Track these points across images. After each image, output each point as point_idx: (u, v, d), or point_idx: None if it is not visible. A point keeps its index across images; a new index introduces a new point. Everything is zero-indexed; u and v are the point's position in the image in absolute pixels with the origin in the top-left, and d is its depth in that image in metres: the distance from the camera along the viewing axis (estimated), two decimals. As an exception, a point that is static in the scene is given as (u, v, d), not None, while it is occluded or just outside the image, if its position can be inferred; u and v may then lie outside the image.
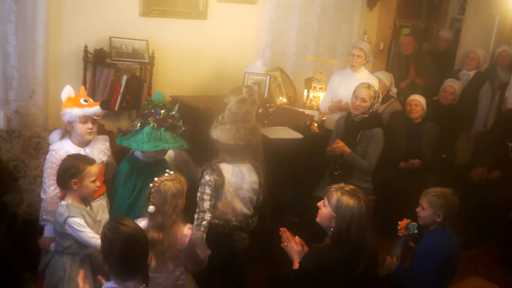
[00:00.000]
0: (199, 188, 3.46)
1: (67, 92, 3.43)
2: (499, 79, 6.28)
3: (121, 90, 4.71)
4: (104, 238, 2.30)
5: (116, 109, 4.69)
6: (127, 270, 2.23)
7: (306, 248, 3.02)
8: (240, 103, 3.47)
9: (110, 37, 4.71)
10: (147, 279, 2.31)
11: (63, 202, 2.99)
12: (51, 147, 3.39)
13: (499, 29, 6.54)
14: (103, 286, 2.27)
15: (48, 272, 3.06)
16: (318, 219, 2.96)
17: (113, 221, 2.37)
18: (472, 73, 6.16)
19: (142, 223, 2.85)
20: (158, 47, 4.93)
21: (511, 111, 5.52)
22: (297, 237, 3.07)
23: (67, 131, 3.42)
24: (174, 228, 2.89)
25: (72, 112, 3.34)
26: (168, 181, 2.90)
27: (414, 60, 6.47)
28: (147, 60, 4.84)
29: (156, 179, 2.93)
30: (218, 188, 3.44)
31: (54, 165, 3.27)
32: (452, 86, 5.85)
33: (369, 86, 4.48)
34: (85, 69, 4.69)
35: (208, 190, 3.41)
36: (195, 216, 3.44)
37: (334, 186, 2.90)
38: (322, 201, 2.94)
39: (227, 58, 5.56)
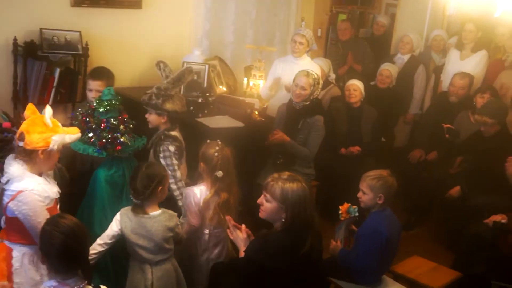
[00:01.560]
0: (166, 161, 3.75)
1: (50, 113, 2.91)
2: (434, 62, 6.50)
3: (55, 84, 4.61)
4: (42, 232, 2.25)
5: (50, 103, 4.58)
6: (68, 266, 2.19)
7: (252, 237, 3.05)
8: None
9: (41, 29, 4.59)
10: (90, 275, 2.28)
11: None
12: (27, 188, 2.77)
13: (433, 14, 6.78)
14: (42, 286, 2.22)
15: None
16: (263, 215, 2.94)
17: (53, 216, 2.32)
18: (406, 57, 6.35)
19: (201, 187, 3.46)
20: (92, 38, 4.84)
21: (445, 94, 5.71)
22: (243, 225, 3.10)
23: (31, 161, 2.84)
24: (236, 186, 3.53)
25: (59, 140, 2.86)
26: (223, 147, 3.48)
27: (351, 46, 6.61)
28: (80, 52, 4.74)
29: (211, 149, 3.45)
30: (181, 155, 3.85)
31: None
32: (388, 69, 6.03)
33: (308, 74, 4.55)
34: (15, 62, 4.55)
35: (175, 160, 3.79)
36: (174, 187, 3.73)
37: (270, 178, 2.91)
38: (262, 197, 2.93)
39: (164, 48, 5.51)
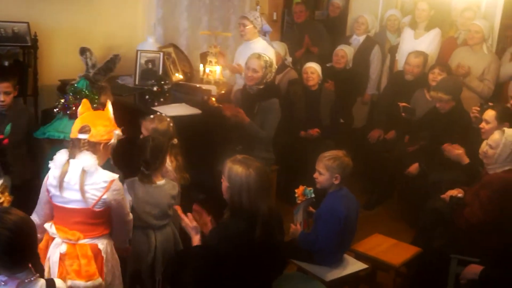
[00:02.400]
0: None
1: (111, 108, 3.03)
2: (389, 42, 6.57)
3: (3, 77, 4.48)
4: None
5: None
6: (16, 261, 2.15)
7: (210, 225, 3.04)
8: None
9: (-14, 21, 4.47)
10: (40, 268, 2.25)
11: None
12: (114, 177, 2.82)
13: (387, -6, 6.86)
14: None
15: None
16: (223, 195, 2.97)
17: None
18: (362, 38, 6.40)
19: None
20: (41, 30, 4.73)
21: (401, 73, 5.79)
22: (188, 213, 3.07)
23: (94, 153, 2.82)
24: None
25: (119, 134, 2.94)
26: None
27: (307, 28, 6.62)
28: (29, 44, 4.63)
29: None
30: None
31: None
32: (343, 49, 6.08)
33: (259, 56, 4.55)
34: (-40, 57, 4.43)
35: None
36: None
37: (229, 158, 2.94)
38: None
39: (117, 37, 5.42)
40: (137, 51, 5.14)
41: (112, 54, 3.93)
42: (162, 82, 4.78)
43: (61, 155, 2.81)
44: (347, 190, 3.66)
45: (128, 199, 3.27)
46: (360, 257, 3.86)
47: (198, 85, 5.23)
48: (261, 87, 4.59)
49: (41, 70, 4.70)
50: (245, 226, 2.74)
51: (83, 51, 3.83)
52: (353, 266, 3.71)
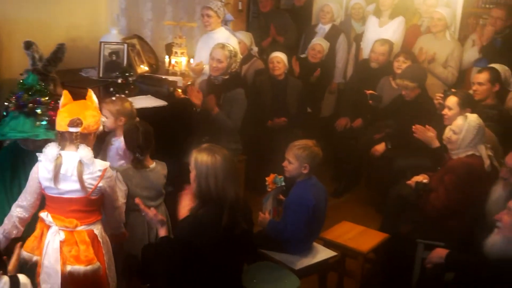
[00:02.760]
0: None
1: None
2: (355, 31, 6.62)
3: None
4: None
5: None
6: None
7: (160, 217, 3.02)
8: None
9: None
10: (4, 265, 2.22)
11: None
12: (106, 164, 2.98)
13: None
14: None
15: None
16: (191, 185, 2.98)
17: None
18: (327, 27, 6.43)
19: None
20: (0, 22, 4.62)
21: (367, 61, 5.85)
22: (152, 208, 3.08)
23: (86, 144, 2.94)
24: None
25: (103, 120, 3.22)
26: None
27: (273, 18, 6.62)
28: (-11, 37, 4.53)
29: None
30: None
31: None
32: (321, 44, 6.09)
33: (223, 46, 4.53)
34: None
35: None
36: None
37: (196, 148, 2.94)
38: None
39: (80, 29, 5.33)
40: (100, 43, 5.06)
41: (58, 43, 3.84)
42: (127, 74, 4.72)
43: (51, 149, 2.86)
44: (316, 179, 3.68)
45: (123, 189, 3.41)
46: (329, 244, 3.90)
47: (164, 77, 5.18)
48: (226, 77, 4.57)
49: (2, 64, 4.59)
50: (214, 214, 2.75)
51: (29, 45, 3.70)
52: (322, 254, 3.74)
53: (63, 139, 2.88)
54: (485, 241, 2.56)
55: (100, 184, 2.89)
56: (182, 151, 4.78)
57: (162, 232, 2.90)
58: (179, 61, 5.39)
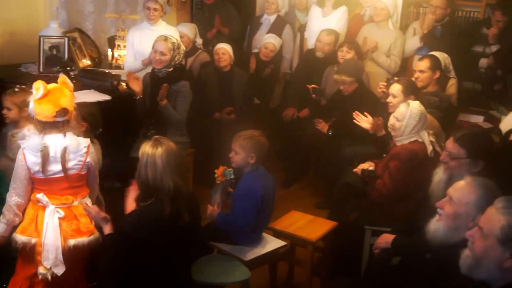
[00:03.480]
0: None
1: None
2: (299, 21, 6.65)
3: None
4: None
5: None
6: None
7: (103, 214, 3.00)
8: None
9: None
10: None
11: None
12: (88, 141, 3.23)
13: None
14: None
15: None
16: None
17: None
18: (272, 18, 6.43)
19: None
20: None
21: (312, 51, 5.89)
22: (94, 205, 3.09)
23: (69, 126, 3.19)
24: None
25: None
26: None
27: (217, 9, 6.57)
28: None
29: None
30: None
31: None
32: (273, 43, 6.07)
33: (166, 38, 4.48)
34: None
35: None
36: None
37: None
38: None
39: (17, 23, 5.18)
40: (40, 37, 4.93)
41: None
42: (68, 68, 4.62)
43: (35, 141, 3.00)
44: (264, 169, 3.69)
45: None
46: (278, 234, 3.92)
47: (107, 70, 5.09)
48: (170, 70, 4.52)
49: None
50: (157, 207, 2.73)
51: None
52: (271, 244, 3.76)
53: (47, 126, 3.02)
54: (428, 226, 2.62)
55: (88, 159, 3.12)
56: (128, 146, 4.72)
57: (107, 229, 2.87)
58: (122, 54, 5.31)
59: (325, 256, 4.12)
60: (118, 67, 5.32)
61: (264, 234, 3.82)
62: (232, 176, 3.71)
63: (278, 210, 4.24)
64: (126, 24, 5.49)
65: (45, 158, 2.97)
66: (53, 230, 3.02)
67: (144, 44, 4.97)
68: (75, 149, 3.06)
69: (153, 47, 4.50)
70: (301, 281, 4.06)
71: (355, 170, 4.10)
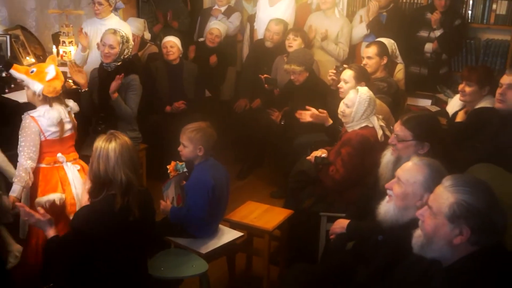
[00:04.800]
0: None
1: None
2: (247, 12, 6.65)
3: None
4: None
5: None
6: None
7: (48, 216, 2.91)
8: None
9: None
10: None
11: None
12: None
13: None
14: None
15: None
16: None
17: None
18: (223, 9, 6.38)
19: None
20: None
21: (261, 41, 5.88)
22: (39, 208, 2.99)
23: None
24: None
25: None
26: None
27: (164, 2, 6.50)
28: None
29: None
30: None
31: None
32: (218, 28, 6.03)
33: (115, 32, 4.41)
34: None
35: None
36: None
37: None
38: None
39: (-45, 22, 5.00)
40: (-21, 35, 4.77)
41: None
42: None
43: (54, 113, 3.50)
44: (214, 160, 3.69)
45: None
46: (235, 226, 3.92)
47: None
48: (119, 64, 4.45)
49: None
50: (108, 202, 2.69)
51: None
52: (228, 235, 3.77)
53: (53, 99, 3.55)
54: (379, 208, 2.66)
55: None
56: (78, 143, 4.62)
57: (51, 232, 2.78)
58: (67, 51, 5.20)
59: (282, 244, 4.15)
60: (64, 64, 5.19)
61: (221, 226, 3.82)
62: (185, 170, 3.68)
63: (235, 202, 4.24)
64: (70, 19, 5.37)
65: (62, 123, 3.52)
66: (78, 181, 3.58)
67: (95, 38, 4.87)
68: (67, 113, 3.61)
69: (101, 41, 4.43)
70: (259, 270, 4.08)
71: (308, 157, 4.13)
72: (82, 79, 4.43)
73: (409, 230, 2.15)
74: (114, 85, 4.37)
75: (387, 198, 2.65)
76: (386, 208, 2.61)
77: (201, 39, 6.24)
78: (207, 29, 6.12)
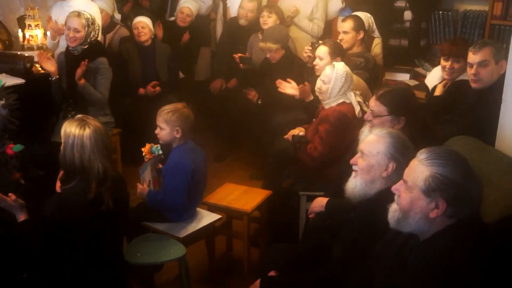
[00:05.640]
0: None
1: None
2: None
3: None
4: None
5: None
6: None
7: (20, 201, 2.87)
8: None
9: None
10: None
11: None
12: None
13: None
14: None
15: None
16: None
17: None
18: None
19: None
20: None
21: (235, 19, 5.84)
22: (10, 194, 2.87)
23: None
24: None
25: None
26: None
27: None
28: None
29: None
30: None
31: None
32: (189, 7, 5.95)
33: (79, 14, 4.34)
34: None
35: None
36: None
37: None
38: None
39: None
40: None
41: None
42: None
43: None
44: (193, 143, 3.67)
45: None
46: (213, 208, 3.92)
47: (19, 53, 4.89)
48: (86, 47, 4.39)
49: None
50: (80, 189, 2.66)
51: None
52: (206, 218, 3.76)
53: None
54: (347, 185, 2.67)
55: None
56: (48, 130, 4.57)
57: (23, 216, 2.76)
58: (34, 35, 5.13)
59: (262, 226, 4.16)
60: (31, 48, 5.12)
61: (199, 209, 3.82)
62: (160, 152, 3.65)
63: (213, 185, 4.24)
64: (35, 1, 5.28)
65: None
66: None
67: (60, 20, 4.80)
68: None
69: (65, 24, 4.35)
70: (240, 253, 4.08)
71: (286, 136, 4.13)
72: (52, 67, 4.37)
73: (378, 202, 2.16)
74: (79, 71, 4.31)
75: (353, 174, 2.66)
76: (353, 183, 2.62)
77: (172, 18, 6.17)
78: (178, 8, 6.05)
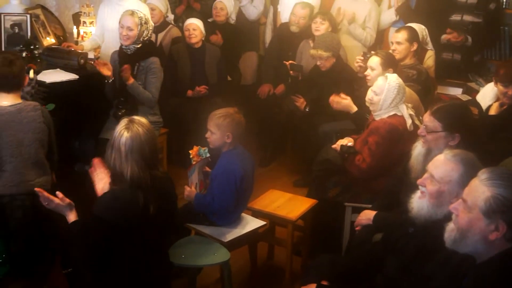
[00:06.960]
0: None
1: None
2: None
3: None
4: None
5: None
6: None
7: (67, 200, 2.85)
8: None
9: None
10: None
11: None
12: None
13: None
14: None
15: None
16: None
17: None
18: (243, -10, 6.37)
19: None
20: None
21: (286, 25, 5.85)
22: (58, 192, 2.85)
23: None
24: None
25: None
26: None
27: (187, -17, 6.51)
28: None
29: None
30: None
31: None
32: (221, 1, 6.03)
33: (133, 13, 4.40)
34: None
35: None
36: None
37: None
38: None
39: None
40: (0, 14, 4.81)
41: None
42: (32, 47, 4.53)
43: None
44: (243, 148, 3.68)
45: None
46: (257, 214, 3.93)
47: (72, 49, 5.00)
48: (139, 46, 4.45)
49: None
50: (128, 191, 2.69)
51: None
52: (251, 224, 3.77)
53: None
54: (411, 203, 2.61)
55: None
56: (97, 127, 4.66)
57: (72, 216, 2.76)
58: (88, 32, 5.23)
59: (305, 234, 4.15)
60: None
61: (243, 214, 3.83)
62: (208, 155, 3.69)
63: (256, 189, 4.22)
64: (91, -1, 5.39)
65: None
66: None
67: (113, 20, 4.87)
68: None
69: (119, 22, 4.43)
70: (281, 260, 4.08)
71: (333, 146, 4.11)
72: (108, 71, 4.42)
73: (441, 224, 2.13)
74: (124, 73, 4.37)
75: (419, 193, 2.59)
76: (419, 204, 2.55)
77: (210, 19, 6.23)
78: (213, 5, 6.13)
